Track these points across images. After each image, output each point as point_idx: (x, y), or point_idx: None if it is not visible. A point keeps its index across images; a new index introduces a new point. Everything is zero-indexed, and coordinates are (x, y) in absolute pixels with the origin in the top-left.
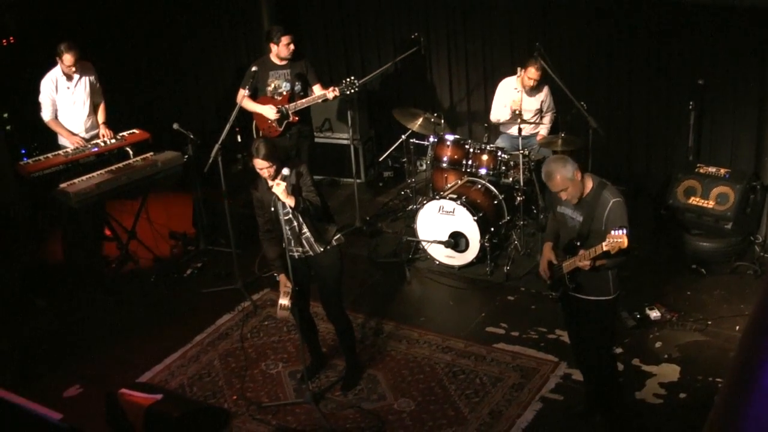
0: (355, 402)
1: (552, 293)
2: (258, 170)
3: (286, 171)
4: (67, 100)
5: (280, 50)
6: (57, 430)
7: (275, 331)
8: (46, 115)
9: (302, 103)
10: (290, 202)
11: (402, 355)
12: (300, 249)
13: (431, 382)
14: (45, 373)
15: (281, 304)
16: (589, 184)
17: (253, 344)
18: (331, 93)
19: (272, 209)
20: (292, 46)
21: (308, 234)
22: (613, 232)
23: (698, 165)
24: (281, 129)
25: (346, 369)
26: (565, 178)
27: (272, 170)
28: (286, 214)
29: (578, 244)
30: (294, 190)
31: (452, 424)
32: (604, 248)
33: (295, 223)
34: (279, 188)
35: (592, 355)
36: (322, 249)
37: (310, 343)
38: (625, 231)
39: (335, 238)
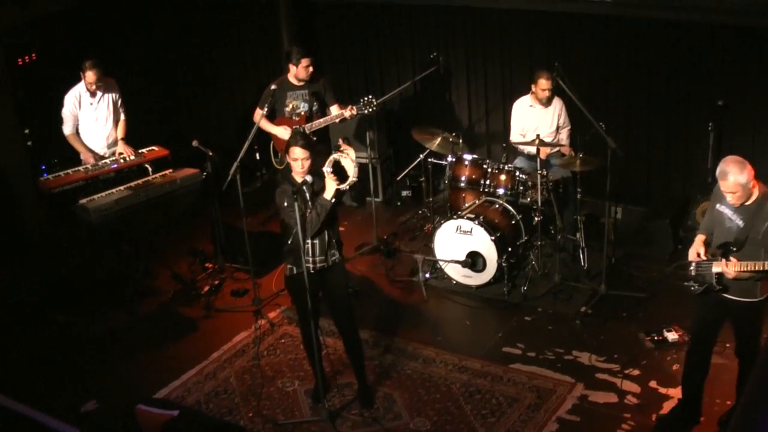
0: (371, 421)
1: (694, 286)
2: (292, 161)
3: (309, 178)
4: (89, 116)
5: (298, 71)
6: None
7: (292, 349)
8: (66, 129)
9: (319, 123)
10: (331, 189)
11: (418, 374)
12: (319, 258)
13: (447, 402)
14: (62, 388)
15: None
16: (756, 192)
17: (270, 362)
18: (348, 112)
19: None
20: (311, 69)
21: (328, 239)
22: None
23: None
24: None
25: (360, 386)
26: (738, 183)
27: (307, 163)
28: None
29: (734, 249)
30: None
31: None
32: (764, 268)
33: (326, 228)
34: (330, 180)
35: (743, 349)
36: (336, 258)
37: (319, 363)
38: None
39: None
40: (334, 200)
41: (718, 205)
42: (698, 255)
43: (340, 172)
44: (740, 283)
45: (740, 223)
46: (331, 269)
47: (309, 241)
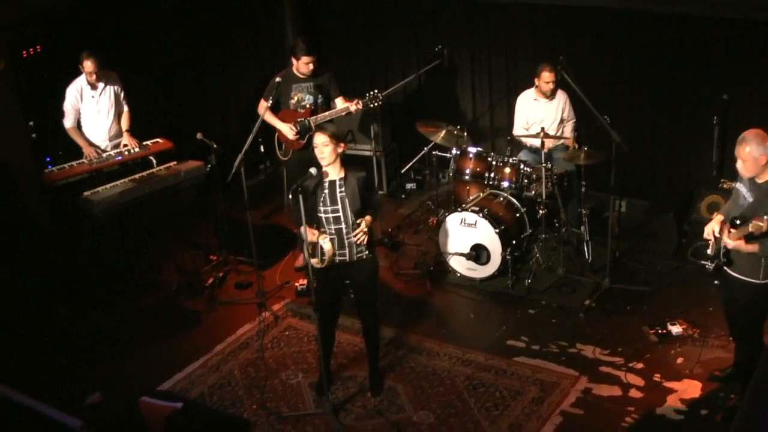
0: (375, 413)
1: (708, 264)
2: (315, 146)
3: (313, 171)
4: (91, 109)
5: (299, 66)
6: None
7: (295, 342)
8: (67, 122)
9: (325, 116)
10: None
11: (422, 367)
12: (340, 252)
13: (451, 395)
14: (66, 379)
15: (325, 249)
16: None
17: (273, 354)
18: (354, 106)
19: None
20: (311, 66)
21: (354, 238)
22: (761, 216)
23: (722, 180)
24: (304, 141)
25: (372, 373)
26: (751, 153)
27: (326, 149)
28: (335, 211)
29: (738, 222)
30: (355, 195)
31: None
32: (749, 229)
33: (343, 226)
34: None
35: (738, 331)
36: (365, 256)
37: (326, 353)
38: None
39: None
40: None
41: (737, 183)
42: (713, 233)
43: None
44: (744, 261)
45: (751, 200)
46: (359, 264)
47: (327, 233)
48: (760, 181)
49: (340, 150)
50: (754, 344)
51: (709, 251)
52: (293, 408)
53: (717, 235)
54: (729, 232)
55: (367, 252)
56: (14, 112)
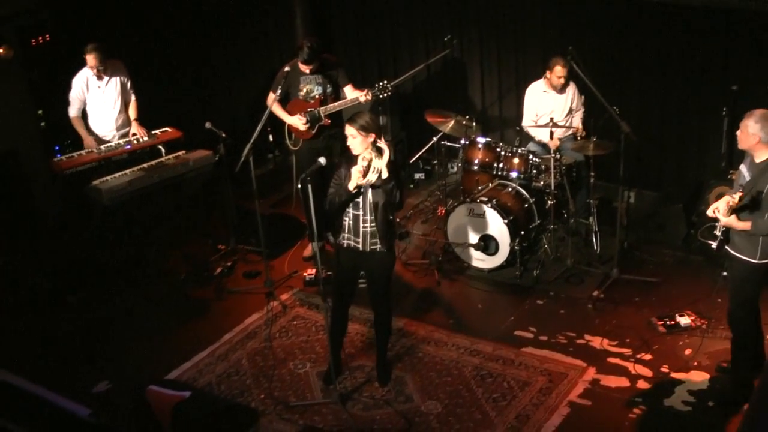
0: (383, 403)
1: (713, 243)
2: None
3: (322, 160)
4: (97, 100)
5: (300, 65)
6: (85, 425)
7: (303, 331)
8: (72, 111)
9: (334, 106)
10: (356, 181)
11: (430, 357)
12: (354, 239)
13: (459, 385)
14: (74, 368)
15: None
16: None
17: (281, 344)
18: (364, 96)
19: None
20: (309, 70)
21: (369, 229)
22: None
23: (731, 171)
24: (314, 132)
25: (379, 364)
26: (746, 126)
27: (355, 141)
28: (356, 196)
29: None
30: (378, 190)
31: (479, 428)
32: (731, 203)
33: (360, 212)
34: (356, 169)
35: (732, 318)
36: (380, 248)
37: (335, 345)
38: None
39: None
40: (355, 191)
41: (742, 165)
42: (715, 211)
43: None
44: (740, 238)
45: (749, 177)
46: (371, 256)
47: (346, 217)
48: (758, 160)
49: (370, 140)
50: (747, 328)
51: (716, 232)
52: (301, 397)
53: (721, 213)
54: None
55: (380, 246)
56: (23, 100)
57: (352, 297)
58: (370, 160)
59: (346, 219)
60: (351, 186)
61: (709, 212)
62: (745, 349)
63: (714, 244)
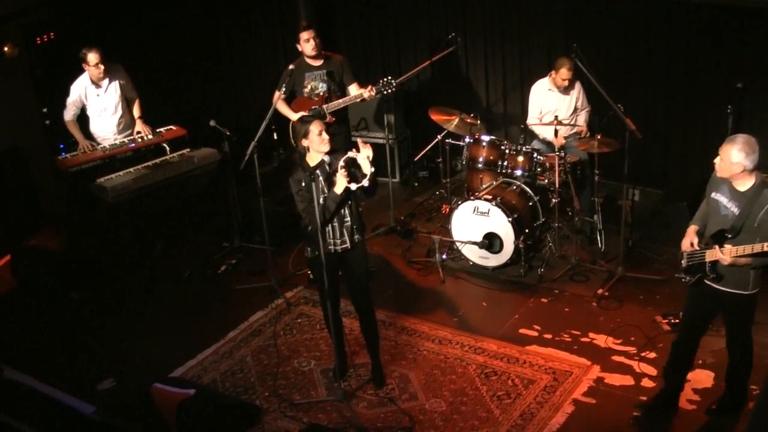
0: (387, 401)
1: (685, 277)
2: (312, 140)
3: (326, 158)
4: (97, 107)
5: (304, 48)
6: (90, 422)
7: (308, 329)
8: (67, 115)
9: (338, 103)
10: (341, 186)
11: (434, 355)
12: (340, 240)
13: (463, 383)
14: (79, 365)
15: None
16: (752, 181)
17: (286, 341)
18: (368, 93)
19: (317, 190)
20: (313, 42)
21: (349, 223)
22: None
23: None
24: None
25: (374, 365)
26: (728, 153)
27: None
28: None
29: (729, 236)
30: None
31: (483, 426)
32: (765, 248)
33: (345, 210)
34: (340, 174)
35: (731, 345)
36: (358, 238)
37: (339, 343)
38: None
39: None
40: (343, 195)
41: (713, 194)
42: (691, 245)
43: (354, 169)
44: (733, 273)
45: (735, 210)
46: (353, 251)
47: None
48: (741, 189)
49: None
50: (746, 347)
51: (684, 263)
52: (305, 395)
53: (696, 247)
54: (715, 247)
55: (359, 236)
56: (27, 98)
57: (339, 298)
58: (354, 159)
59: (330, 224)
60: (339, 190)
61: (684, 247)
62: (748, 364)
63: (686, 278)
